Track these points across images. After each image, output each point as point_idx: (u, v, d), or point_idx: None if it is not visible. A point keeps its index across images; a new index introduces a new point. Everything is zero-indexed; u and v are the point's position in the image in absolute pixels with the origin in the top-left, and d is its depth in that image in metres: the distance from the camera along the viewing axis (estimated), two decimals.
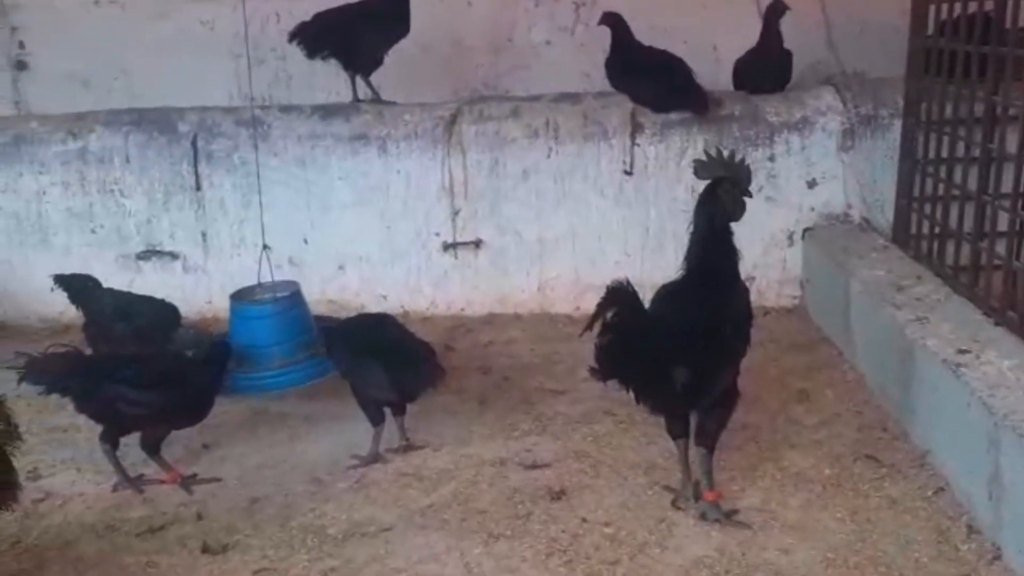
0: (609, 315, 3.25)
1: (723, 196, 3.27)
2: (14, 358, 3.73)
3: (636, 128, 5.49)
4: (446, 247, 5.70)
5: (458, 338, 5.34)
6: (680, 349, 3.19)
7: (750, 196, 3.32)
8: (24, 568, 3.14)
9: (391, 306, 5.57)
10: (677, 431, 3.39)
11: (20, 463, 3.50)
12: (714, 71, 5.89)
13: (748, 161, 3.41)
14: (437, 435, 4.07)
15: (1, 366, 3.87)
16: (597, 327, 3.28)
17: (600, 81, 5.83)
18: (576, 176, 5.54)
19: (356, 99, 5.77)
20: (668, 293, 3.41)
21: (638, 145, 5.49)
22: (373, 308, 5.51)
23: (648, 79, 5.52)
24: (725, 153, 3.38)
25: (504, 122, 5.56)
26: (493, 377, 4.75)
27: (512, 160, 5.55)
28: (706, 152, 3.48)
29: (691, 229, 3.35)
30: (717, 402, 3.29)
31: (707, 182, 3.34)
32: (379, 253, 5.76)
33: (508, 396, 4.50)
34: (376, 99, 5.76)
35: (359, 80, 5.75)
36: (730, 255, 3.31)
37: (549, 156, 5.54)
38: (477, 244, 5.67)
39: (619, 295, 3.24)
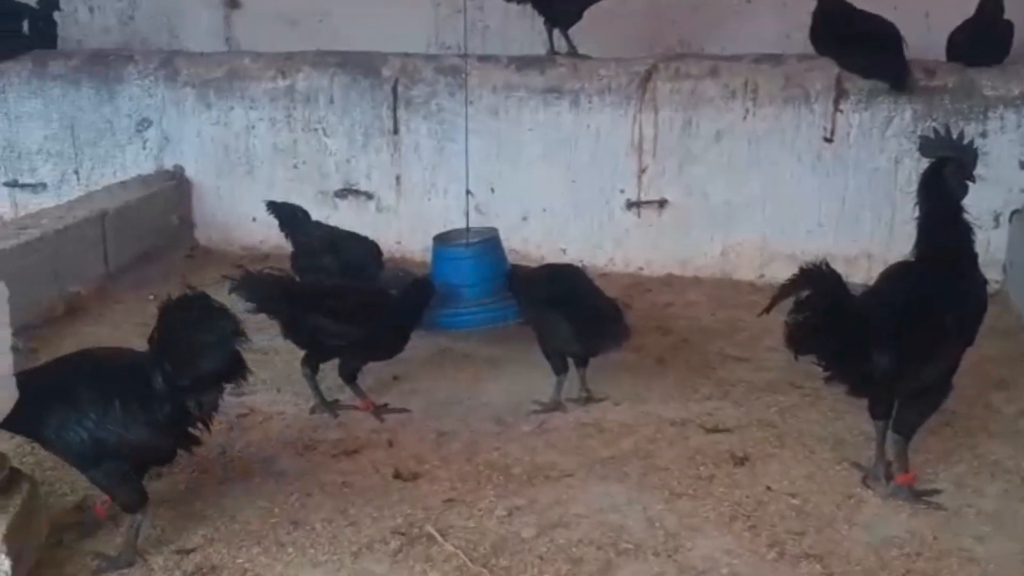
0: (804, 294, 3.18)
1: (949, 178, 3.13)
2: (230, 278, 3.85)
3: (840, 94, 5.31)
4: (630, 205, 5.68)
5: (636, 297, 5.33)
6: (885, 334, 3.09)
7: (973, 181, 3.17)
8: (230, 477, 3.35)
9: (570, 260, 5.60)
10: (879, 412, 3.28)
11: None
12: (925, 40, 5.59)
13: (976, 144, 3.24)
14: (617, 390, 4.09)
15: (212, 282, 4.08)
16: (783, 305, 3.23)
17: (802, 43, 5.66)
18: (772, 140, 5.41)
19: (552, 51, 5.78)
20: (894, 273, 3.30)
21: (841, 111, 5.31)
22: (553, 260, 5.56)
23: (858, 44, 5.31)
24: (953, 133, 3.23)
25: (701, 81, 5.48)
26: (672, 338, 4.73)
27: (706, 120, 5.47)
28: (934, 129, 3.33)
29: (917, 210, 3.21)
30: (924, 393, 3.17)
31: (930, 160, 3.20)
32: (562, 206, 5.80)
33: (688, 358, 4.48)
34: (572, 52, 5.76)
35: (557, 33, 5.76)
36: (964, 239, 3.16)
37: (745, 118, 5.42)
38: (661, 203, 5.63)
39: (813, 278, 3.15)
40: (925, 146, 3.22)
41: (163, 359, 2.79)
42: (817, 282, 3.20)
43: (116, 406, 2.74)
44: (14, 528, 2.55)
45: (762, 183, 5.47)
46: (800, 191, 5.44)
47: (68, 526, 2.97)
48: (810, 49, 5.54)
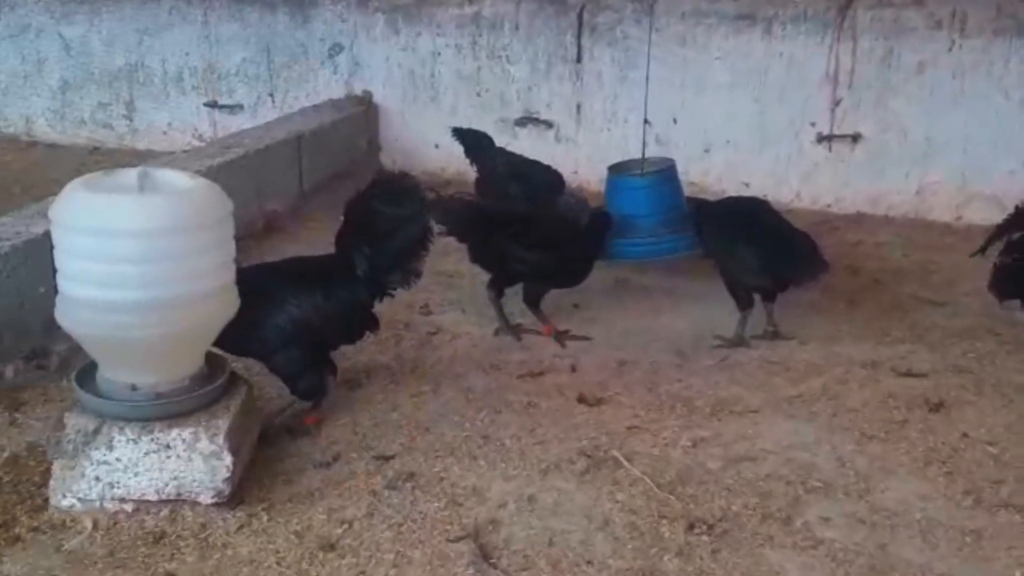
0: (1015, 236, 3.01)
1: None
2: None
3: None
4: (820, 139, 5.50)
5: (823, 234, 5.13)
6: None
7: None
8: (423, 390, 3.49)
9: (753, 194, 5.47)
10: None
11: (413, 298, 3.87)
12: None
13: None
14: (804, 329, 4.01)
15: None
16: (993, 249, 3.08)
17: None
18: (979, 73, 5.11)
19: None
20: None
21: None
22: (734, 194, 5.44)
23: None
24: None
25: (905, 9, 5.20)
26: (862, 279, 4.59)
27: (908, 51, 5.21)
28: None
29: None
30: None
31: None
32: (748, 139, 5.66)
33: (879, 300, 4.34)
34: None
35: None
36: None
37: (951, 50, 5.13)
38: (855, 138, 5.42)
39: None
40: None
41: (361, 240, 3.13)
42: None
43: (318, 287, 3.09)
44: (234, 427, 2.74)
45: (965, 119, 5.19)
46: (1005, 129, 5.14)
47: (276, 428, 3.17)
48: None
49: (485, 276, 4.02)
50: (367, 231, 3.16)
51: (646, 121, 4.78)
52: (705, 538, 2.64)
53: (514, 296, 4.01)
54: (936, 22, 5.16)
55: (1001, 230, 3.00)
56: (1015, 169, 5.13)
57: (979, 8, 5.10)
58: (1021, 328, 3.80)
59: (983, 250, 3.06)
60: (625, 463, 2.99)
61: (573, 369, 3.69)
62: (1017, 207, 3.04)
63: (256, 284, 2.99)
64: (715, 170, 5.73)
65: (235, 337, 2.94)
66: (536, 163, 4.85)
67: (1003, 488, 2.89)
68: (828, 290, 4.34)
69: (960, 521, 2.73)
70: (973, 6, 5.11)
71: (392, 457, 3.01)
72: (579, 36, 5.82)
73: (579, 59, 5.85)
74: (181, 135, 6.74)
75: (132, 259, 2.50)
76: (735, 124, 5.64)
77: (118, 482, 2.65)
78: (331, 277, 3.16)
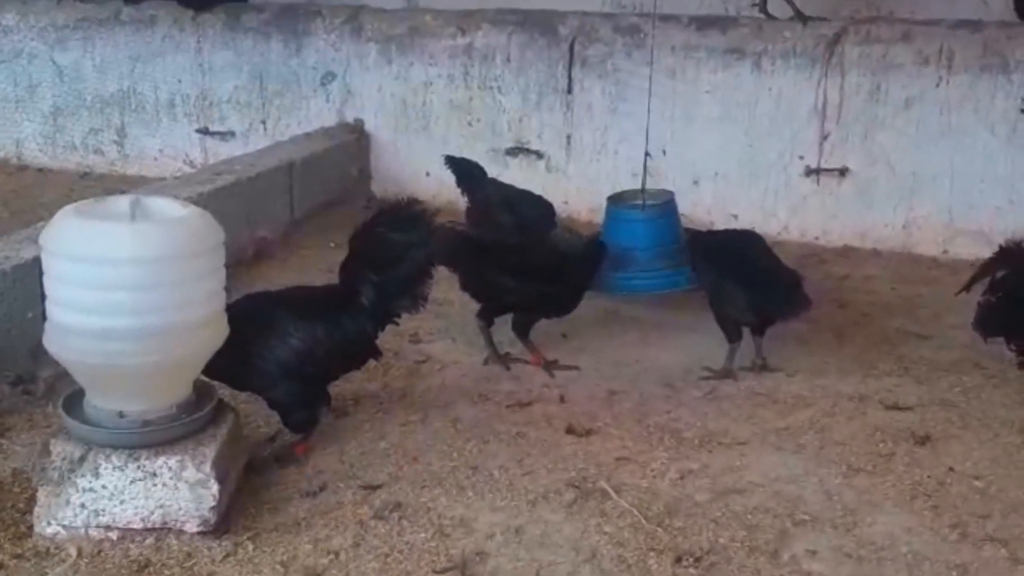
0: (1000, 274, 3.06)
1: None
2: None
3: None
4: (809, 172, 5.54)
5: (810, 267, 5.18)
6: None
7: None
8: (411, 419, 3.48)
9: (741, 227, 5.51)
10: None
11: (403, 327, 3.88)
12: None
13: None
14: (791, 362, 4.02)
15: None
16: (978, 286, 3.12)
17: (999, 10, 5.37)
18: (966, 110, 5.17)
19: (764, 12, 5.61)
20: None
21: None
22: (722, 226, 5.49)
23: None
24: None
25: (892, 45, 5.27)
26: (850, 312, 4.61)
27: (895, 86, 5.27)
28: None
29: None
30: None
31: None
32: (737, 171, 5.70)
33: (866, 333, 4.36)
34: (798, 15, 5.51)
35: None
36: None
37: (938, 85, 5.19)
38: (843, 172, 5.47)
39: (1013, 257, 3.03)
40: None
41: (367, 268, 3.15)
42: (1016, 261, 3.07)
43: (321, 318, 3.09)
44: (221, 455, 2.73)
45: (951, 155, 5.24)
46: (992, 165, 5.19)
47: (263, 456, 3.16)
48: (1011, 16, 5.24)
49: (475, 305, 4.03)
50: (374, 259, 3.17)
51: (647, 154, 4.78)
52: (692, 571, 2.64)
53: (503, 325, 4.02)
54: (924, 58, 5.22)
55: (985, 269, 3.04)
56: (1001, 205, 5.18)
57: (966, 45, 5.17)
58: (1007, 363, 3.82)
59: (967, 288, 3.10)
60: (613, 495, 2.99)
61: (562, 399, 3.70)
62: (1001, 246, 3.08)
63: (256, 314, 3.00)
64: (704, 202, 5.76)
65: (234, 371, 2.95)
66: (528, 193, 4.87)
67: (989, 522, 2.90)
68: (816, 323, 4.36)
69: (946, 555, 2.73)
70: (960, 43, 5.18)
71: (379, 487, 3.01)
72: (570, 68, 5.87)
73: (570, 90, 5.90)
74: (172, 161, 6.75)
75: (124, 287, 2.51)
76: (724, 156, 5.68)
77: (103, 510, 2.64)
78: (334, 308, 3.15)
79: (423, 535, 2.77)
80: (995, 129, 5.13)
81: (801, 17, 5.48)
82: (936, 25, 5.30)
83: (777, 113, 5.50)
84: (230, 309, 2.86)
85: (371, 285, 3.15)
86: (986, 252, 5.09)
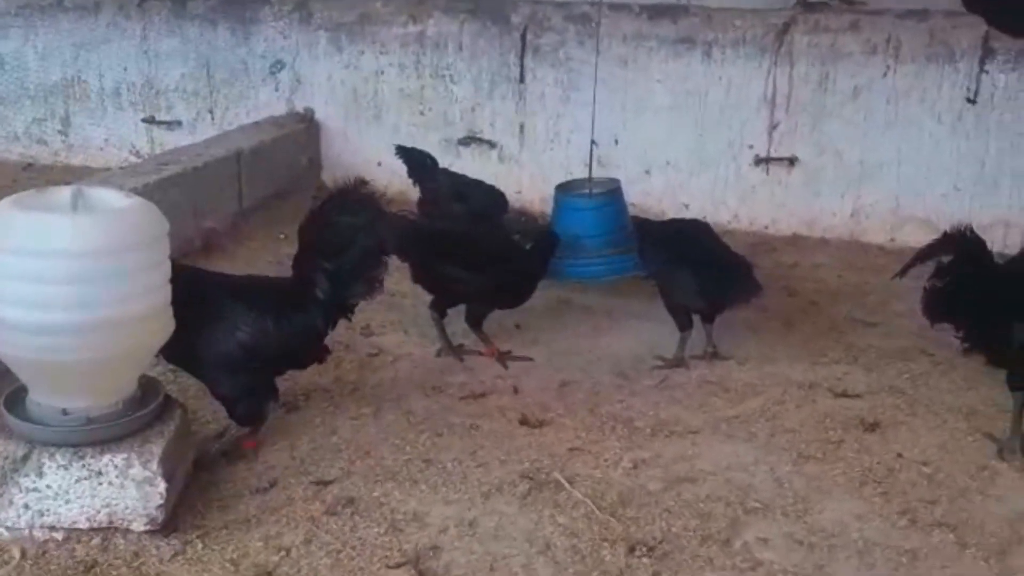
0: (947, 260, 3.10)
1: None
2: None
3: (987, 53, 5.09)
4: (758, 161, 5.58)
5: (760, 256, 5.22)
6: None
7: None
8: (364, 412, 3.45)
9: (692, 216, 5.53)
10: (1017, 384, 3.19)
11: (354, 319, 3.84)
12: None
13: None
14: (741, 350, 4.05)
15: None
16: (917, 271, 3.16)
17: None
18: (912, 99, 5.23)
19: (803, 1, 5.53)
20: None
21: (987, 72, 5.09)
22: (674, 215, 5.51)
23: (1008, 2, 5.05)
24: None
25: (841, 35, 5.31)
26: (798, 300, 4.66)
27: (843, 75, 5.32)
28: None
29: None
30: None
31: None
32: (687, 160, 5.73)
33: (815, 321, 4.40)
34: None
35: None
36: None
37: (885, 75, 5.25)
38: (791, 161, 5.51)
39: (957, 243, 3.07)
40: None
41: (319, 258, 3.07)
42: (961, 247, 3.11)
43: (273, 312, 3.02)
44: (168, 452, 2.69)
45: (898, 143, 5.30)
46: (938, 153, 5.26)
47: (211, 453, 3.10)
48: (957, 5, 5.30)
49: (427, 296, 4.00)
50: (325, 247, 3.10)
51: (593, 142, 4.79)
52: (646, 560, 2.65)
53: (457, 316, 4.00)
54: (871, 47, 5.27)
55: (926, 253, 3.08)
56: (947, 192, 5.25)
57: (913, 35, 5.22)
58: (953, 350, 3.86)
59: (903, 273, 3.16)
60: (567, 486, 2.99)
61: (515, 390, 3.69)
62: (945, 232, 3.12)
63: (206, 301, 2.94)
64: (655, 191, 5.77)
65: (178, 350, 2.89)
66: (480, 183, 4.85)
67: (937, 508, 2.94)
68: (765, 311, 4.40)
69: (896, 541, 2.77)
70: (907, 32, 5.24)
71: (331, 482, 2.98)
72: (522, 57, 5.84)
73: (522, 79, 5.87)
74: (118, 151, 6.62)
75: (65, 280, 2.45)
76: (675, 146, 5.70)
77: (48, 510, 2.58)
78: (286, 302, 3.08)
79: (376, 530, 2.74)
80: (941, 118, 5.20)
81: (803, 3, 5.49)
82: (883, 15, 5.35)
83: (727, 102, 5.53)
84: (179, 287, 2.77)
85: (324, 274, 3.08)
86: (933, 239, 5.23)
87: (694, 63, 5.56)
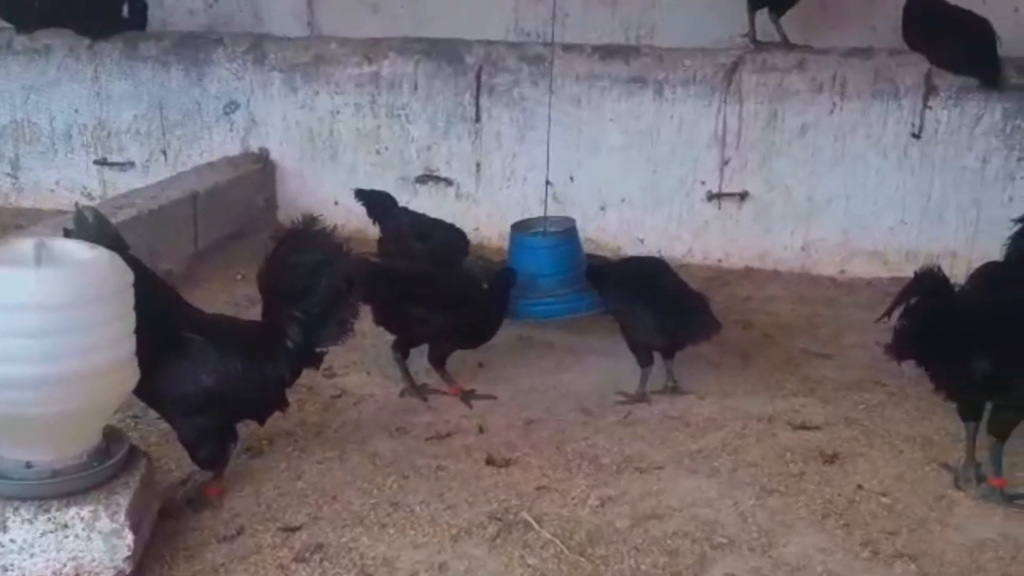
0: (913, 299, 3.19)
1: None
2: None
3: (930, 90, 5.26)
4: (710, 197, 5.69)
5: (714, 289, 5.30)
6: (985, 336, 3.08)
7: None
8: (328, 456, 3.44)
9: (647, 251, 5.62)
10: (969, 415, 3.28)
11: None
12: (1016, 36, 5.50)
13: None
14: (700, 384, 4.11)
15: None
16: (866, 304, 3.24)
17: (888, 36, 5.62)
18: (858, 135, 5.38)
19: (754, 39, 5.64)
20: (990, 274, 3.28)
21: (930, 108, 5.26)
22: (630, 251, 5.60)
23: (949, 40, 5.24)
24: None
25: (788, 74, 5.46)
26: (753, 333, 4.74)
27: (791, 113, 5.46)
28: None
29: None
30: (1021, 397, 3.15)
31: None
32: (641, 197, 5.81)
33: (771, 354, 4.48)
34: (784, 42, 5.58)
35: (761, 18, 5.61)
36: None
37: (832, 112, 5.40)
38: (743, 196, 5.63)
39: (927, 281, 3.16)
40: None
41: (287, 304, 3.05)
42: (931, 288, 3.20)
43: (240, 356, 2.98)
44: (135, 503, 2.66)
45: (846, 178, 5.44)
46: (884, 187, 5.40)
47: (176, 501, 3.08)
48: (899, 43, 5.49)
49: (389, 336, 4.01)
50: (288, 291, 3.09)
51: (548, 182, 4.86)
52: None
53: (419, 355, 4.01)
54: (818, 85, 5.42)
55: (902, 297, 3.17)
56: (894, 225, 5.39)
57: (858, 72, 5.38)
58: (906, 380, 3.97)
59: (888, 314, 3.23)
60: (535, 525, 3.01)
61: (480, 430, 3.70)
62: (916, 273, 3.21)
63: (173, 339, 2.91)
64: (611, 227, 5.85)
65: (143, 386, 2.86)
66: (439, 222, 4.87)
67: (898, 539, 3.01)
68: (722, 344, 4.45)
69: (859, 573, 2.83)
70: (852, 70, 5.39)
71: (298, 528, 2.96)
72: (477, 96, 5.90)
73: (478, 119, 5.93)
74: (69, 193, 6.53)
75: (30, 333, 2.43)
76: (629, 183, 5.78)
77: (12, 564, 2.54)
78: (254, 349, 3.05)
79: None
80: (887, 153, 5.35)
81: (787, 44, 5.59)
82: (829, 53, 5.51)
83: (679, 140, 5.64)
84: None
85: (295, 322, 3.05)
86: (881, 271, 5.37)
87: (646, 102, 5.67)
